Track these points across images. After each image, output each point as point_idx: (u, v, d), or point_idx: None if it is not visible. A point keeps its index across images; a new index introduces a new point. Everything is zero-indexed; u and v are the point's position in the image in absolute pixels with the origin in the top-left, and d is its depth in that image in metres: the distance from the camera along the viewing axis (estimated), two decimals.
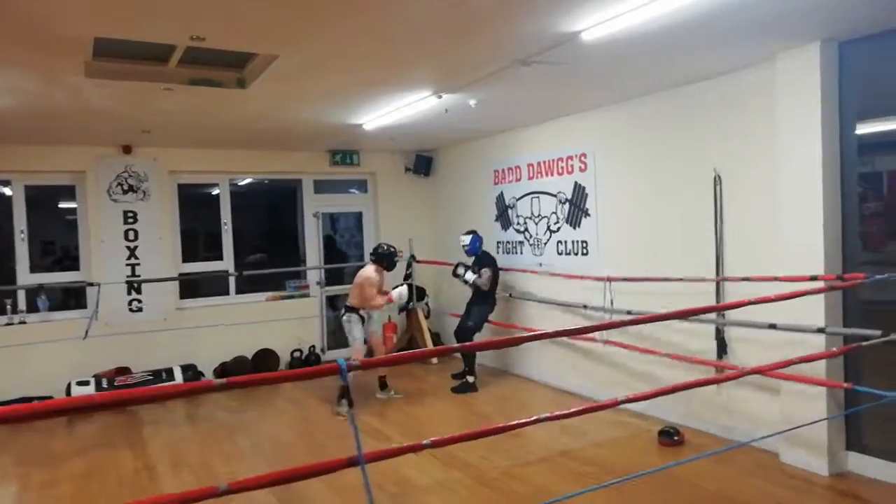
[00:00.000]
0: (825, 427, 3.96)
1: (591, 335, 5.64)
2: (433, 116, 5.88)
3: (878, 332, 3.48)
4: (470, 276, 6.61)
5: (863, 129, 4.11)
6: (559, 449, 4.69)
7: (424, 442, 2.17)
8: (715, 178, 4.78)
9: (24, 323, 6.58)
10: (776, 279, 4.03)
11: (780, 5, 3.31)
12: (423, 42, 3.79)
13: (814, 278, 3.87)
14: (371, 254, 6.41)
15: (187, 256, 7.52)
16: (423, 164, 8.56)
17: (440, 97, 5.13)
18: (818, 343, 3.91)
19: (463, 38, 3.74)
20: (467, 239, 6.73)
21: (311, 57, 4.00)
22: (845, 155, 4.11)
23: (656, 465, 4.18)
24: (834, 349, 3.73)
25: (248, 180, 8.14)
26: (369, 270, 6.15)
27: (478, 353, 6.63)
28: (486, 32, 3.63)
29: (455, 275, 6.80)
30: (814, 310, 3.93)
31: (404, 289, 6.40)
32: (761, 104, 4.40)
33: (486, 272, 6.53)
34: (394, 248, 6.42)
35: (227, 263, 7.66)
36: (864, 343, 3.52)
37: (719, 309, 4.38)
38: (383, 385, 6.35)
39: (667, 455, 4.49)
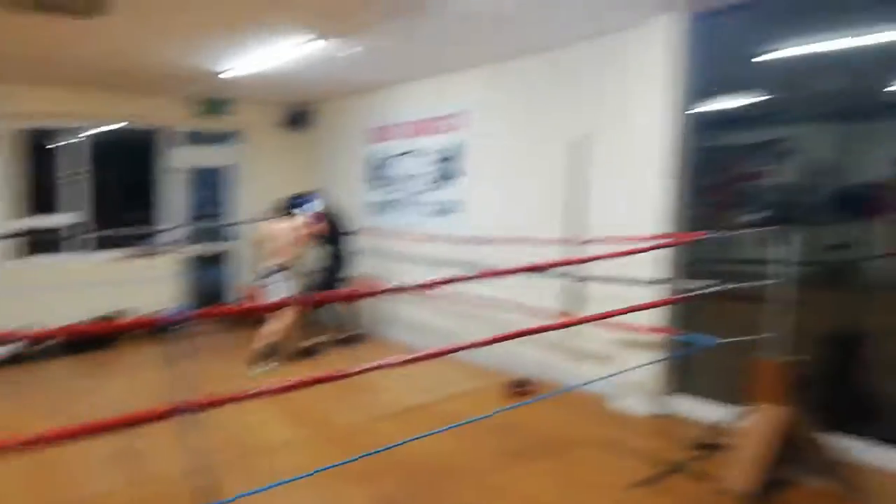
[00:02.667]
0: (654, 372, 4.34)
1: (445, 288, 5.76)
2: (305, 67, 5.68)
3: (701, 282, 3.80)
4: None
5: (706, 105, 4.39)
6: (411, 404, 4.82)
7: (264, 388, 2.17)
8: (581, 141, 4.96)
9: None
10: (627, 239, 4.26)
11: None
12: None
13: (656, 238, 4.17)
14: (292, 205, 6.36)
15: (30, 209, 6.87)
16: (297, 119, 8.30)
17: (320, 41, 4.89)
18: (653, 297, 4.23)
19: None
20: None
21: None
22: (687, 129, 4.40)
23: (502, 414, 4.43)
24: (671, 297, 4.08)
25: (103, 128, 7.51)
26: (298, 220, 6.12)
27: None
28: None
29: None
30: (655, 267, 4.26)
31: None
32: (618, 71, 4.60)
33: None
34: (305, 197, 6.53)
35: (77, 218, 7.09)
36: (696, 292, 3.83)
37: (573, 263, 4.58)
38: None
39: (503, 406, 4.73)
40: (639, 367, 4.19)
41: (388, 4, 4.07)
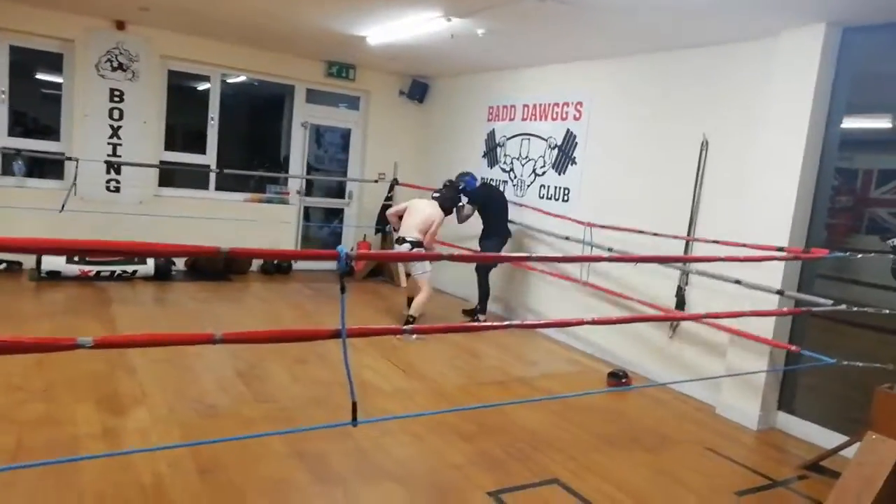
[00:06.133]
0: (761, 385, 4.27)
1: (572, 277, 5.84)
2: (437, 41, 5.87)
3: (830, 301, 3.71)
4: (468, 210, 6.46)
5: (849, 122, 4.21)
6: (514, 375, 4.95)
7: (405, 327, 2.33)
8: (702, 143, 4.92)
9: None
10: (744, 245, 4.21)
11: None
12: None
13: (780, 249, 4.08)
14: (437, 197, 6.17)
15: (169, 146, 7.44)
16: (418, 90, 8.51)
17: (449, 20, 5.10)
18: (772, 307, 4.15)
19: None
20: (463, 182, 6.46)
21: None
22: (827, 145, 4.25)
23: (601, 400, 4.51)
24: (785, 309, 3.99)
25: (239, 79, 7.99)
26: (438, 210, 6.01)
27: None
28: None
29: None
30: (772, 278, 4.17)
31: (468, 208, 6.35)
32: (756, 77, 4.52)
33: (467, 207, 6.47)
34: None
35: (209, 158, 7.61)
36: (815, 309, 3.76)
37: (694, 260, 4.53)
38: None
39: (613, 394, 4.79)
40: (748, 373, 4.15)
41: None
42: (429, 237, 5.89)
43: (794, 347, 3.98)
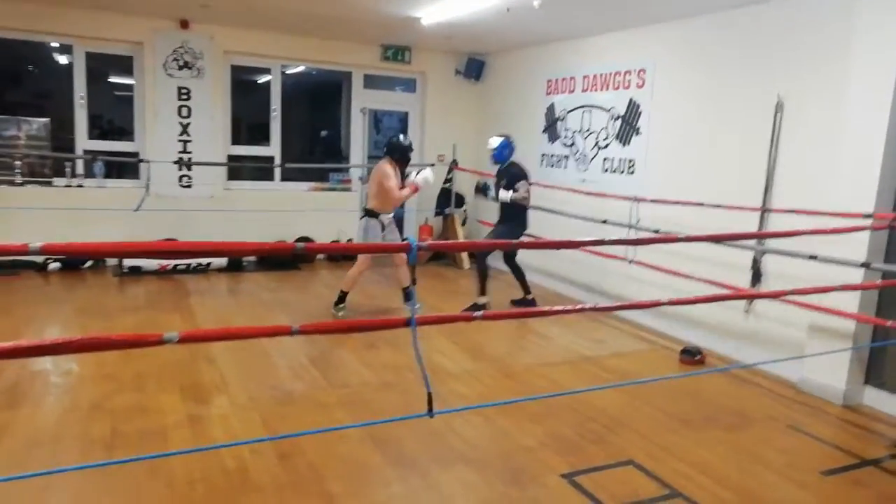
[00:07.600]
0: (846, 360, 4.06)
1: (620, 255, 5.69)
2: (492, 16, 5.77)
3: None
4: (504, 194, 5.62)
5: None
6: (582, 354, 4.90)
7: (475, 314, 2.34)
8: (777, 105, 4.66)
9: (81, 186, 6.90)
10: (825, 214, 3.98)
11: None
12: None
13: (868, 216, 3.83)
14: (384, 146, 5.70)
15: (235, 139, 7.68)
16: (474, 68, 8.41)
17: None
18: (855, 282, 3.91)
19: None
20: (495, 143, 5.84)
21: None
22: None
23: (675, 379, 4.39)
24: (877, 282, 3.75)
25: (297, 69, 8.12)
26: (382, 164, 5.49)
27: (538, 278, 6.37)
28: None
29: (480, 192, 5.95)
30: (856, 248, 3.92)
31: (429, 171, 5.60)
32: (836, 30, 4.23)
33: (523, 185, 5.63)
34: (409, 141, 5.73)
35: (273, 150, 7.80)
36: None
37: (763, 236, 4.35)
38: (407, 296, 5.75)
39: (686, 372, 4.66)
40: (833, 352, 3.95)
41: None
42: (389, 196, 5.37)
43: (889, 322, 3.73)
